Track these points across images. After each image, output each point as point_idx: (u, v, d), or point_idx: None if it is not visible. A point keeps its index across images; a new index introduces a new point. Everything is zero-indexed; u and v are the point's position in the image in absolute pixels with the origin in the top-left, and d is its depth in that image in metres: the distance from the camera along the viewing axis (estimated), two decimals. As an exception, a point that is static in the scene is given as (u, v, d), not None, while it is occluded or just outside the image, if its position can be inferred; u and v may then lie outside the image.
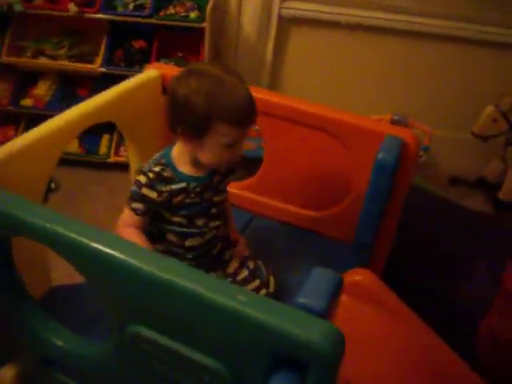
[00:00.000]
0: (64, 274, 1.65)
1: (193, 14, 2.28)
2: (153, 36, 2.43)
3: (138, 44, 2.42)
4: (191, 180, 1.23)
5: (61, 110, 1.29)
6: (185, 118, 1.14)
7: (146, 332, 0.91)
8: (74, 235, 0.89)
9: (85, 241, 0.89)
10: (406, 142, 1.36)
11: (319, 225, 1.62)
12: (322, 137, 1.46)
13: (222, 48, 2.55)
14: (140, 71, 1.61)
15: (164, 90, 1.61)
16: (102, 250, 0.87)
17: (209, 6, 2.24)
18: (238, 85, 1.13)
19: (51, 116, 1.25)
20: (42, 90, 2.51)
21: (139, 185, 1.19)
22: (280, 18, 2.51)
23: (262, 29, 2.47)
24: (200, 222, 1.28)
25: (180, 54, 2.43)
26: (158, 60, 2.38)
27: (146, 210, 1.20)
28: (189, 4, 2.34)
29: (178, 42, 2.46)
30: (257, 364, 0.81)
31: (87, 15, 2.28)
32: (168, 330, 0.89)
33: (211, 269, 1.35)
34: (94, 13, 2.28)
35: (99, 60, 2.36)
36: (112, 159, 2.50)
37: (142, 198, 1.19)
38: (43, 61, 2.41)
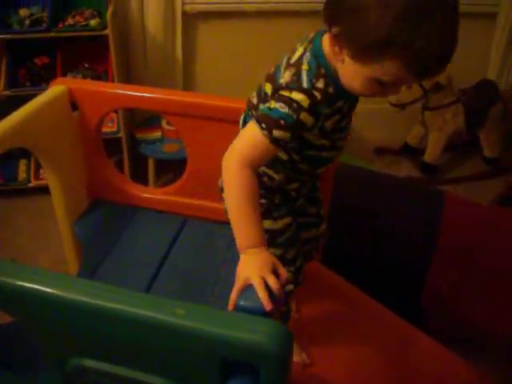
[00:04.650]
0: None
1: (93, 22, 2.19)
2: (56, 50, 2.33)
3: (41, 60, 2.30)
4: (347, 97, 0.95)
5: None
6: (350, 24, 0.82)
7: (90, 363, 0.87)
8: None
9: (8, 280, 0.83)
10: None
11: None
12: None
13: (130, 53, 2.47)
14: (47, 89, 1.53)
15: (73, 105, 1.55)
16: (28, 287, 0.82)
17: (109, 12, 2.16)
18: (449, 20, 0.79)
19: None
20: None
21: (298, 107, 0.88)
22: (184, 14, 2.46)
23: (167, 28, 2.41)
24: (340, 143, 1.05)
25: (86, 65, 2.34)
26: (64, 74, 2.28)
27: (291, 140, 0.91)
28: (88, 12, 2.25)
29: (83, 53, 2.36)
30: (209, 375, 0.79)
31: (-20, 38, 2.15)
32: (113, 356, 0.85)
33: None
34: (-13, 34, 2.15)
35: (2, 83, 2.23)
36: (33, 183, 2.39)
37: (296, 125, 0.89)
38: None
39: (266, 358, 0.70)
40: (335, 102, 0.94)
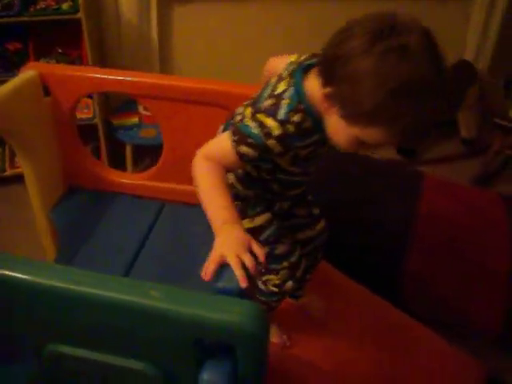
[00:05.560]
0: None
1: (65, 5, 2.15)
2: (28, 35, 2.28)
3: (13, 46, 2.25)
4: (323, 130, 0.96)
5: None
6: (345, 91, 0.84)
7: (66, 349, 0.85)
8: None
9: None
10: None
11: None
12: (216, 112, 1.42)
13: (104, 36, 2.43)
14: (19, 75, 1.50)
15: (46, 90, 1.52)
16: (2, 274, 0.80)
17: (81, -5, 2.12)
18: (438, 102, 0.83)
19: None
20: None
21: (267, 133, 0.92)
22: (160, -4, 2.42)
23: (142, 11, 2.36)
24: (312, 169, 1.10)
25: (60, 50, 2.30)
26: (37, 60, 2.23)
27: (257, 159, 0.96)
28: (60, -5, 2.21)
29: (56, 38, 2.31)
30: (187, 357, 0.79)
31: None
32: (89, 341, 0.84)
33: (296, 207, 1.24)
34: (-45, 19, 2.09)
35: (-27, 69, 2.19)
36: (8, 172, 2.35)
37: (262, 148, 0.93)
38: None
39: (240, 337, 0.70)
40: (310, 135, 0.97)
